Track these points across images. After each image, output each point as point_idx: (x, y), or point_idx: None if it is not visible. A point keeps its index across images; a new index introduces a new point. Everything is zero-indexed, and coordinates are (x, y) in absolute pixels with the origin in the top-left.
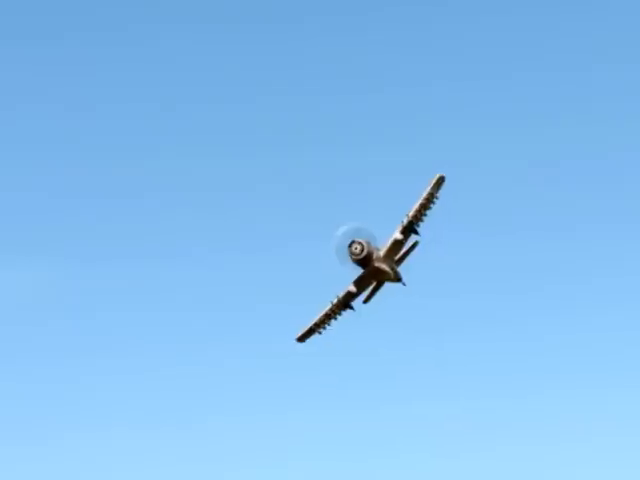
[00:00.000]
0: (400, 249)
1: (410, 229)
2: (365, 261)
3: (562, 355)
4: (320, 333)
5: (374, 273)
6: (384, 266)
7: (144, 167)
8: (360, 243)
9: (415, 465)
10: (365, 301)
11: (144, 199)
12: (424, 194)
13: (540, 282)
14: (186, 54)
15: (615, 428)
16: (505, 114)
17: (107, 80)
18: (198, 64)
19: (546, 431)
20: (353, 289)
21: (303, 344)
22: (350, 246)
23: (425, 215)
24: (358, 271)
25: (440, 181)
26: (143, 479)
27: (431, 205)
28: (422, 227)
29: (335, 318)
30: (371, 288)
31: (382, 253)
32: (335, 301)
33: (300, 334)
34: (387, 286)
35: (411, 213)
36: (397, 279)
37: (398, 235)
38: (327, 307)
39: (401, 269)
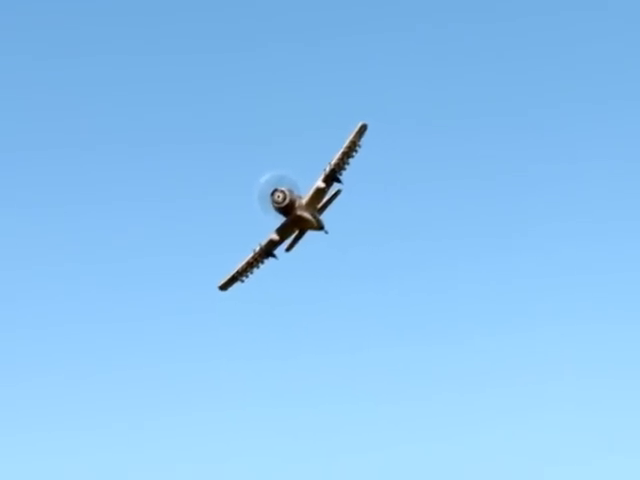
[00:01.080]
0: (322, 197)
1: (332, 177)
2: (287, 209)
3: (485, 302)
4: (242, 281)
5: (296, 221)
6: (306, 214)
7: None
8: (282, 191)
9: (333, 414)
10: (287, 249)
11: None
12: (346, 142)
13: (461, 229)
14: None
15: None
16: (426, 65)
17: None
18: None
19: (473, 377)
20: (275, 237)
21: (225, 292)
22: (272, 194)
23: (347, 164)
24: (280, 219)
25: (362, 129)
26: None
27: (353, 154)
28: (344, 175)
29: (257, 266)
30: (293, 236)
31: (304, 201)
32: (257, 249)
33: (222, 282)
34: (309, 234)
35: (333, 161)
36: (319, 227)
37: (320, 183)
38: (249, 255)
39: (323, 217)
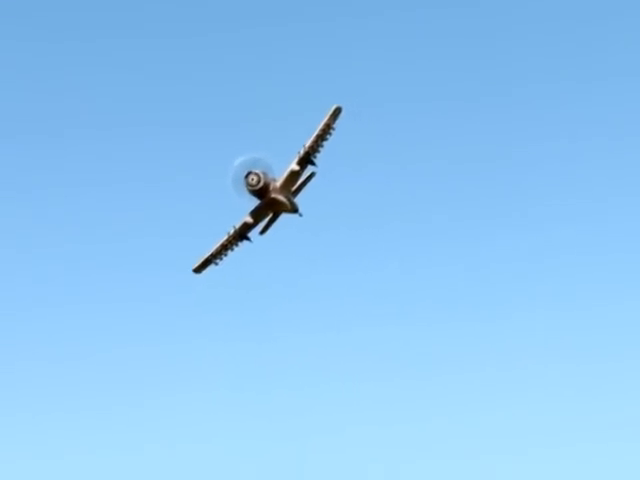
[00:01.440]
0: (297, 180)
1: (307, 160)
2: (262, 192)
3: (460, 284)
4: (216, 264)
5: (271, 204)
6: (281, 197)
7: None
8: (257, 174)
9: (309, 394)
10: (261, 232)
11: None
12: (320, 125)
13: (435, 213)
14: None
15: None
16: (402, 48)
17: None
18: None
19: (447, 357)
20: (250, 220)
21: (200, 275)
22: (247, 177)
23: (322, 146)
24: (255, 202)
25: (337, 112)
26: None
27: (327, 136)
28: (319, 158)
29: (232, 249)
30: (268, 219)
31: (279, 184)
32: (231, 232)
33: (197, 265)
34: (284, 217)
35: (308, 144)
36: (294, 210)
37: (295, 166)
38: (223, 238)
39: (298, 200)
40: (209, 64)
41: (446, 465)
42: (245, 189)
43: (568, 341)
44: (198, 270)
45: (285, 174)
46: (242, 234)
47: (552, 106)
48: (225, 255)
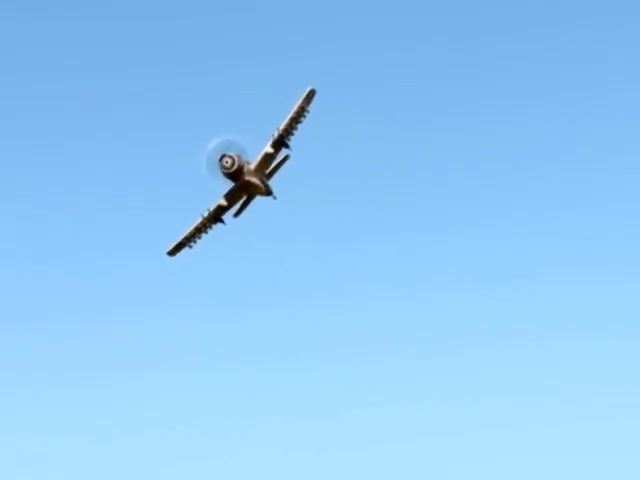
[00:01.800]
0: (271, 163)
1: (281, 143)
2: (236, 175)
3: (439, 263)
4: (191, 247)
5: (245, 187)
6: (255, 180)
7: None
8: (231, 157)
9: (281, 377)
10: (236, 215)
11: None
12: (295, 108)
13: (409, 195)
14: None
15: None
16: (377, 30)
17: None
18: None
19: (420, 339)
20: (224, 203)
21: (174, 257)
22: (221, 160)
23: (296, 129)
24: (229, 185)
25: (311, 95)
26: None
27: (302, 119)
28: (293, 141)
29: (206, 232)
30: (242, 202)
31: (253, 167)
32: (206, 215)
33: (171, 248)
34: (258, 200)
35: (282, 127)
36: (268, 193)
37: (269, 149)
38: (197, 221)
39: (272, 183)
40: (182, 46)
41: (444, 444)
42: (219, 172)
43: (569, 324)
44: (172, 253)
45: (259, 157)
46: (216, 217)
47: (522, 90)
48: (199, 238)
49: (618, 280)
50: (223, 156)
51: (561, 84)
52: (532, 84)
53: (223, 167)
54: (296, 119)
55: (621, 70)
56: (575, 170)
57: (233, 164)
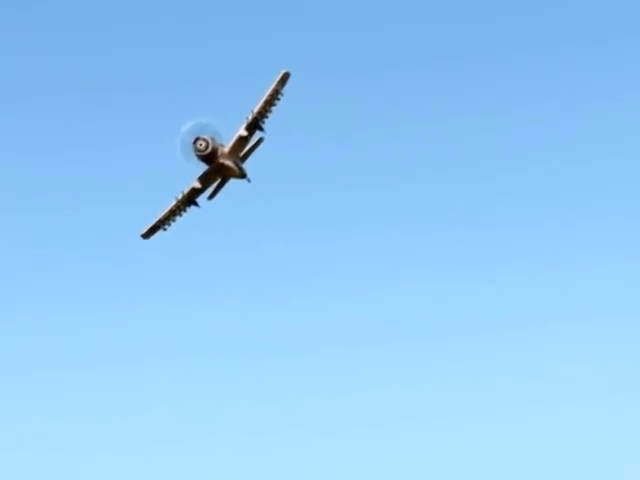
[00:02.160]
0: (245, 145)
1: (255, 125)
2: (210, 157)
3: (417, 245)
4: (165, 230)
5: (219, 169)
6: (229, 162)
7: None
8: (205, 139)
9: (260, 358)
10: (210, 197)
11: None
12: (269, 91)
13: (385, 179)
14: None
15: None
16: (353, 12)
17: None
18: None
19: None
20: (198, 185)
21: (148, 240)
22: (195, 143)
23: (270, 112)
24: (203, 168)
25: (285, 78)
26: None
27: (276, 102)
28: (267, 124)
29: (180, 215)
30: (216, 185)
31: (227, 149)
32: (180, 197)
33: (145, 230)
34: (232, 182)
35: (256, 109)
36: (242, 175)
37: (243, 131)
38: (172, 204)
39: (246, 166)
40: (155, 28)
41: (443, 426)
42: (193, 154)
43: (570, 302)
44: (146, 235)
45: (233, 139)
46: (190, 199)
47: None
48: (173, 221)
49: (622, 254)
50: (197, 139)
51: (557, 63)
52: (522, 65)
53: (197, 150)
54: (270, 102)
55: (616, 49)
56: (574, 148)
57: (207, 147)
